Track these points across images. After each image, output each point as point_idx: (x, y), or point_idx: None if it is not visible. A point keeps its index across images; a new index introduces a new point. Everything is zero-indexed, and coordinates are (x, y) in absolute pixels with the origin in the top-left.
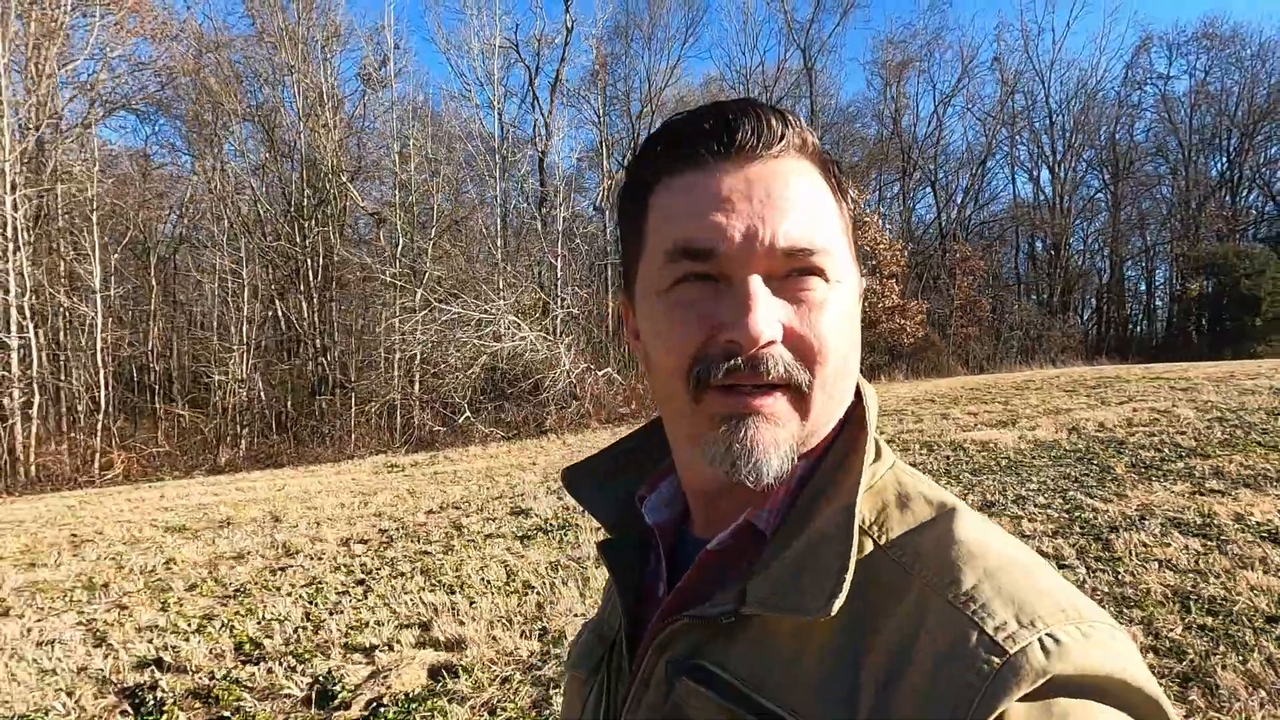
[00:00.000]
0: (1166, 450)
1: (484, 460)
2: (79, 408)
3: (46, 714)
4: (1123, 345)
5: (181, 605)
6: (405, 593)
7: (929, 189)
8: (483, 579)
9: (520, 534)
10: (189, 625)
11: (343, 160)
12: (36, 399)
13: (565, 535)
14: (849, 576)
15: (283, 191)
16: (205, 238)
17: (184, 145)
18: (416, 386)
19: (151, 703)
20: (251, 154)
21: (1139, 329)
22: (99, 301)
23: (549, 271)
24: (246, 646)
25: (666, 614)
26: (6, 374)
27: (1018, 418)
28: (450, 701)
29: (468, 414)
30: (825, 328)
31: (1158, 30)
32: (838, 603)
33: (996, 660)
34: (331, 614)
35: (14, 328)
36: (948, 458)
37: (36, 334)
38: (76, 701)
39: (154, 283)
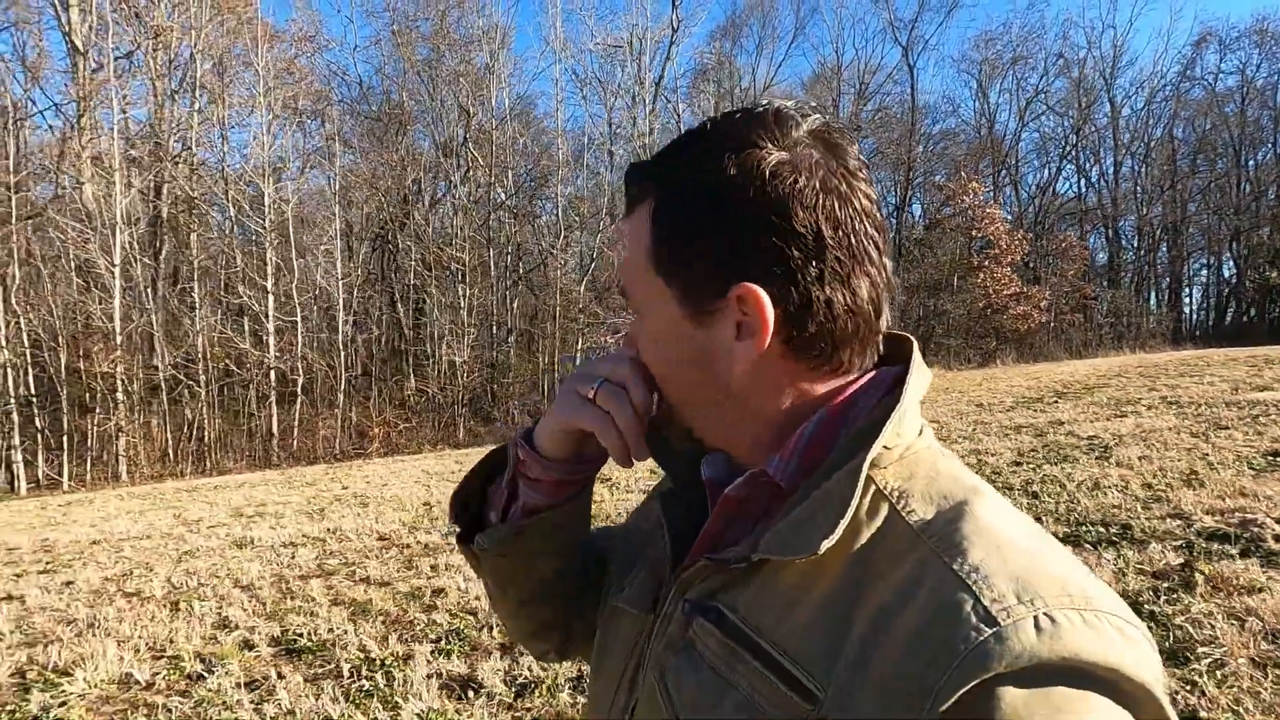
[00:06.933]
0: None
1: None
2: (333, 387)
3: None
4: (1201, 331)
5: None
6: None
7: (1010, 184)
8: None
9: None
10: None
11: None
12: (301, 378)
13: None
14: (843, 523)
15: (482, 187)
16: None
17: (375, 142)
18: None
19: None
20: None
21: (1207, 316)
22: (339, 286)
23: None
24: None
25: (693, 557)
26: (266, 356)
27: (1268, 384)
28: None
29: None
30: (644, 355)
31: (1214, 26)
32: (826, 544)
33: (986, 630)
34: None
35: (271, 311)
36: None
37: (297, 317)
38: None
39: (367, 270)
